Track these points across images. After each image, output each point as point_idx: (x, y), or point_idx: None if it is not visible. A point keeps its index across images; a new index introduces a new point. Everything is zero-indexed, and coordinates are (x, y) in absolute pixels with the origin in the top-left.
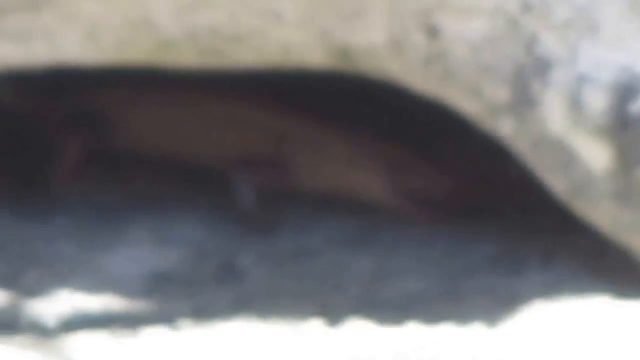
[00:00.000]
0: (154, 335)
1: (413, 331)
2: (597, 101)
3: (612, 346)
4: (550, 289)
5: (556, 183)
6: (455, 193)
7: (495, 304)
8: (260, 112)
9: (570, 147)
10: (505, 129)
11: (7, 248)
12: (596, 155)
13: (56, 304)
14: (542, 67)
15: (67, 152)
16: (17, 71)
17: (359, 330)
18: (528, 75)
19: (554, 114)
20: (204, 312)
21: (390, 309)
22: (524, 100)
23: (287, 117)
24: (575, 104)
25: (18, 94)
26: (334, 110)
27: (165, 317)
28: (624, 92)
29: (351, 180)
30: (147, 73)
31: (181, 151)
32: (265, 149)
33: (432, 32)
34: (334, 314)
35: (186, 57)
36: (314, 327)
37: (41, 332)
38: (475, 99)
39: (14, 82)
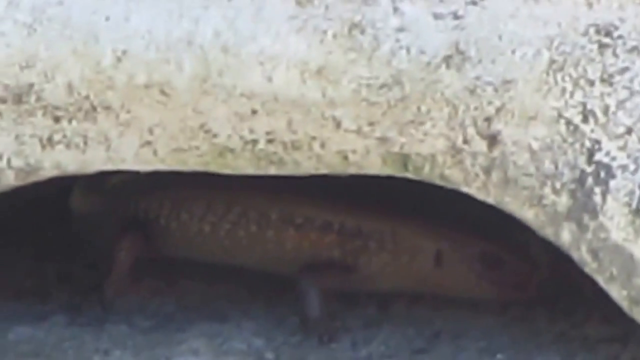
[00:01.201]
0: None
1: None
2: None
3: None
4: None
5: (617, 291)
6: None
7: None
8: (322, 212)
9: (631, 255)
10: (566, 236)
11: (63, 357)
12: None
13: None
14: (603, 174)
15: (119, 259)
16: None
17: None
18: (589, 183)
19: (615, 222)
20: None
21: None
22: (585, 208)
23: (352, 215)
24: (637, 212)
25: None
26: (401, 205)
27: None
28: None
29: (441, 276)
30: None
31: (238, 256)
32: (330, 251)
33: (492, 139)
34: None
35: (243, 163)
36: None
37: None
38: (536, 206)
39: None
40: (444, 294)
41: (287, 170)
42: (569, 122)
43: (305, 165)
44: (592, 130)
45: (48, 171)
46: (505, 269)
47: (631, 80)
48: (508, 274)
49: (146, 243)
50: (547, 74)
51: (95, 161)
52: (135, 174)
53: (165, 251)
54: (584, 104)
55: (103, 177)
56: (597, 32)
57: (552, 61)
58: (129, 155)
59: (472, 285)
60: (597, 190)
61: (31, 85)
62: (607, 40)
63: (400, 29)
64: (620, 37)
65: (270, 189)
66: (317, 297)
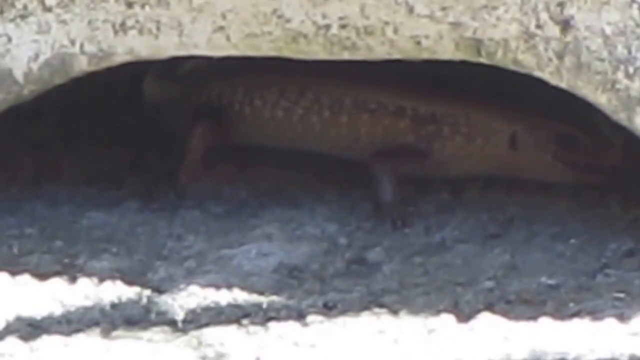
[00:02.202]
0: (284, 330)
1: (546, 327)
2: None
3: None
4: None
5: None
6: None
7: (628, 299)
8: (395, 98)
9: None
10: (638, 121)
11: (136, 242)
12: None
13: (186, 298)
14: None
15: (192, 146)
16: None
17: (492, 326)
18: None
19: None
20: (334, 307)
21: (522, 304)
22: None
23: (425, 100)
24: None
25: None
26: (474, 89)
27: (296, 312)
28: None
29: (516, 159)
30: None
31: (311, 142)
32: (404, 136)
33: (565, 24)
34: (465, 309)
35: (316, 49)
36: (446, 323)
37: (171, 326)
38: (609, 91)
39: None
40: (519, 177)
41: (360, 56)
42: None
43: (378, 50)
44: None
45: (121, 57)
46: (580, 151)
47: None
48: (583, 155)
49: (219, 130)
50: None
51: (168, 47)
52: (208, 61)
53: (238, 138)
54: None
55: (175, 63)
56: None
57: None
58: (202, 40)
59: (548, 168)
60: None
61: None
62: None
63: None
64: None
65: (343, 75)
66: (390, 182)
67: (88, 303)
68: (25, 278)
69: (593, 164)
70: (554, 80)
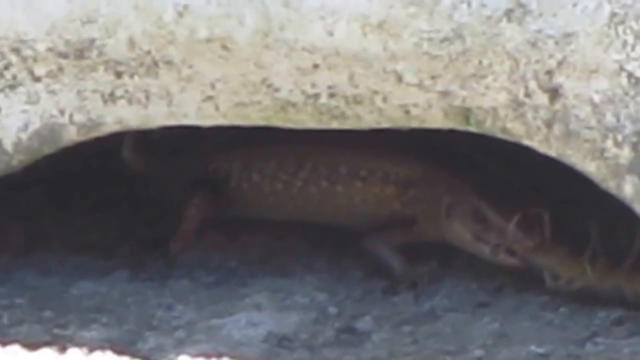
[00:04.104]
0: None
1: None
2: None
3: None
4: None
5: None
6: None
7: None
8: (386, 165)
9: None
10: (628, 189)
11: (126, 312)
12: None
13: None
14: None
15: (187, 217)
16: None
17: None
18: None
19: None
20: None
21: None
22: None
23: (410, 168)
24: None
25: (143, 157)
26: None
27: None
28: None
29: (450, 229)
30: (269, 133)
31: (311, 213)
32: (394, 205)
33: (554, 92)
34: None
35: (305, 118)
36: None
37: None
38: (598, 159)
39: (139, 144)
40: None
41: (349, 125)
42: (630, 75)
43: (367, 119)
44: None
45: (110, 126)
46: (493, 231)
47: None
48: (495, 236)
49: (216, 201)
50: (609, 26)
51: (158, 116)
52: (201, 134)
53: (236, 211)
54: None
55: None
56: None
57: (613, 14)
58: (191, 110)
59: (469, 242)
60: None
61: (93, 41)
62: None
63: None
64: None
65: (336, 143)
66: (394, 252)
67: None
68: (15, 348)
69: (506, 246)
70: (542, 149)
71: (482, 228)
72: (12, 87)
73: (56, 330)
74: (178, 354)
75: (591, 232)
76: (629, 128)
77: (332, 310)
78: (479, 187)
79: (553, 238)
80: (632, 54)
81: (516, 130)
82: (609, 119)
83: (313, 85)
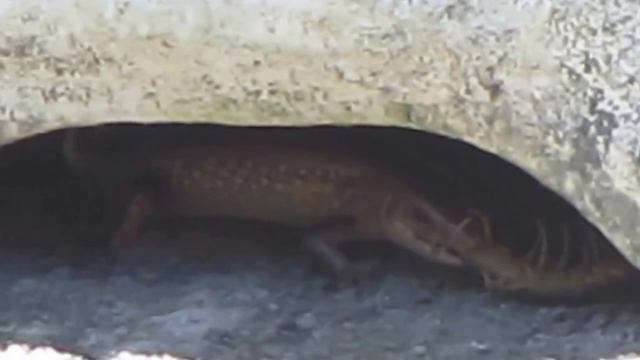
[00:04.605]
0: None
1: None
2: None
3: None
4: (614, 349)
5: (621, 240)
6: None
7: None
8: (325, 163)
9: (634, 205)
10: (569, 185)
11: (67, 309)
12: None
13: None
14: (606, 123)
15: (129, 214)
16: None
17: None
18: (592, 132)
19: (618, 171)
20: None
21: None
22: (587, 157)
23: (350, 166)
24: None
25: (84, 154)
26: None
27: None
28: None
29: (391, 227)
30: (210, 130)
31: (252, 210)
32: (333, 203)
33: (495, 89)
34: None
35: (246, 115)
36: None
37: None
38: (539, 156)
39: (80, 141)
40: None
41: (290, 121)
42: (571, 72)
43: (308, 116)
44: (594, 80)
45: (51, 123)
46: (435, 230)
47: (633, 29)
48: (438, 235)
49: (158, 199)
50: (549, 23)
51: (98, 113)
52: (143, 131)
53: (178, 208)
54: (586, 53)
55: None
56: None
57: (554, 10)
58: (132, 107)
59: (410, 241)
60: (600, 139)
61: (33, 38)
62: None
63: None
64: None
65: (277, 141)
66: (334, 250)
67: None
68: None
69: (447, 245)
70: (483, 145)
71: (423, 227)
72: None
73: None
74: (119, 351)
75: (538, 231)
76: (569, 124)
77: (273, 307)
78: (420, 186)
79: (495, 237)
80: (573, 51)
81: (457, 127)
82: (550, 115)
83: (254, 82)
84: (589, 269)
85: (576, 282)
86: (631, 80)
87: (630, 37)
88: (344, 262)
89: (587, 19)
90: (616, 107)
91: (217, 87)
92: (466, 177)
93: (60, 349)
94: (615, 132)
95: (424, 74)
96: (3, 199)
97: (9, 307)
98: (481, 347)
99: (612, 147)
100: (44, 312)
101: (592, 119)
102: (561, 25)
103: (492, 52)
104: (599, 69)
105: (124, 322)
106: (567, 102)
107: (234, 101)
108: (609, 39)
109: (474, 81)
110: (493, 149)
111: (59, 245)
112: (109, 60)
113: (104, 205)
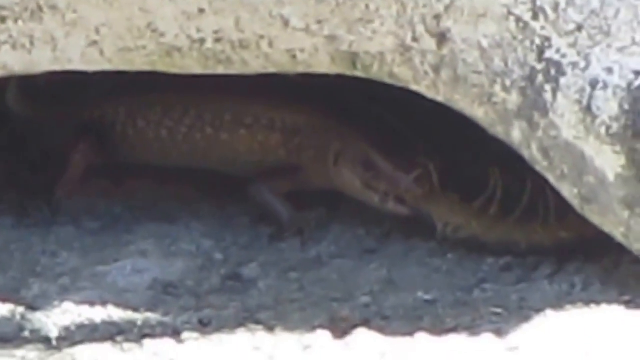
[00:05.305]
0: (159, 347)
1: (423, 343)
2: (610, 107)
3: (621, 356)
4: (561, 299)
5: (569, 190)
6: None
7: (505, 314)
8: (271, 112)
9: (582, 154)
10: (516, 134)
11: (10, 259)
12: (608, 161)
13: (60, 315)
14: (553, 71)
15: (72, 163)
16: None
17: (368, 342)
18: (539, 80)
19: (565, 119)
20: (209, 323)
21: (399, 319)
22: (535, 106)
23: (296, 115)
24: (588, 110)
25: (28, 102)
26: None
27: (171, 329)
28: (636, 97)
29: (339, 176)
30: (154, 79)
31: (197, 159)
32: (280, 153)
33: (442, 37)
34: (342, 325)
35: (190, 64)
36: (322, 339)
37: (45, 344)
38: (486, 104)
39: (24, 90)
40: (345, 194)
41: (235, 70)
42: (518, 19)
43: (254, 64)
44: (542, 27)
45: None
46: (383, 179)
47: None
48: (385, 183)
49: (102, 148)
50: None
51: (42, 62)
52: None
53: (122, 157)
54: (533, 1)
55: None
56: None
57: None
58: (76, 55)
59: (358, 189)
60: (548, 87)
61: None
62: None
63: None
64: None
65: (223, 90)
66: (280, 199)
67: None
68: None
69: (395, 194)
70: (430, 94)
71: (371, 176)
72: None
73: None
74: (62, 301)
75: (490, 179)
76: (517, 73)
77: (218, 257)
78: (368, 134)
79: (444, 185)
80: None
81: (403, 75)
82: (497, 63)
83: (199, 30)
84: (538, 227)
85: (522, 237)
86: (579, 27)
87: None
88: (289, 212)
89: None
90: (564, 55)
91: (162, 35)
92: (415, 125)
93: (3, 300)
94: (563, 81)
95: (370, 21)
96: None
97: None
98: (427, 297)
99: (559, 95)
100: None
101: (539, 67)
102: None
103: (439, 0)
104: (546, 17)
105: (68, 272)
106: (515, 50)
107: (179, 49)
108: None
109: (420, 29)
110: (440, 98)
111: (1, 194)
112: (53, 8)
113: (48, 154)
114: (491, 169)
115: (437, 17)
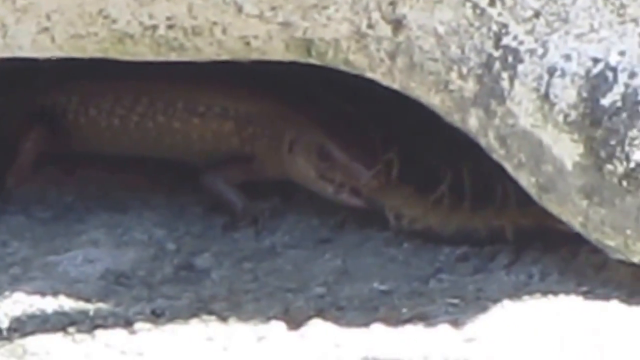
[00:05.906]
0: (112, 338)
1: (379, 333)
2: (568, 94)
3: (580, 346)
4: (519, 289)
5: (526, 178)
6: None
7: (462, 305)
8: (224, 100)
9: (540, 142)
10: (473, 122)
11: None
12: (566, 149)
13: (11, 306)
14: (510, 59)
15: (23, 152)
16: None
17: (323, 333)
18: (496, 68)
19: (523, 107)
20: (162, 314)
21: (354, 310)
22: (492, 93)
23: (250, 103)
24: (545, 97)
25: None
26: (291, 94)
27: (123, 319)
28: (595, 85)
29: (293, 165)
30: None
31: (149, 148)
32: (233, 141)
33: (397, 24)
34: (296, 316)
35: (143, 50)
36: (276, 330)
37: None
38: (442, 92)
39: None
40: (299, 184)
41: (188, 57)
42: (475, 6)
43: (207, 51)
44: (499, 14)
45: None
46: (337, 169)
47: None
48: (340, 174)
49: (53, 136)
50: None
51: None
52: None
53: (73, 145)
54: None
55: None
56: None
57: None
58: (26, 42)
59: (312, 180)
60: (505, 75)
61: None
62: None
63: None
64: None
65: (175, 78)
66: (233, 189)
67: None
68: None
69: (351, 185)
70: (386, 81)
71: (326, 166)
72: None
73: None
74: (13, 291)
75: (445, 172)
76: (473, 60)
77: (171, 246)
78: (323, 124)
79: (399, 176)
80: None
81: (359, 62)
82: (454, 50)
83: (151, 17)
84: (496, 213)
85: (481, 224)
86: (537, 14)
87: None
88: (243, 201)
89: None
90: (521, 42)
91: (114, 21)
92: (370, 114)
93: None
94: (520, 68)
95: (325, 7)
96: None
97: None
98: (383, 287)
99: (517, 83)
100: None
101: (496, 54)
102: None
103: None
104: (503, 3)
105: (18, 261)
106: (471, 37)
107: (131, 36)
108: None
109: (376, 15)
110: (396, 85)
111: None
112: None
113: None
114: (465, 163)
115: (393, 4)
